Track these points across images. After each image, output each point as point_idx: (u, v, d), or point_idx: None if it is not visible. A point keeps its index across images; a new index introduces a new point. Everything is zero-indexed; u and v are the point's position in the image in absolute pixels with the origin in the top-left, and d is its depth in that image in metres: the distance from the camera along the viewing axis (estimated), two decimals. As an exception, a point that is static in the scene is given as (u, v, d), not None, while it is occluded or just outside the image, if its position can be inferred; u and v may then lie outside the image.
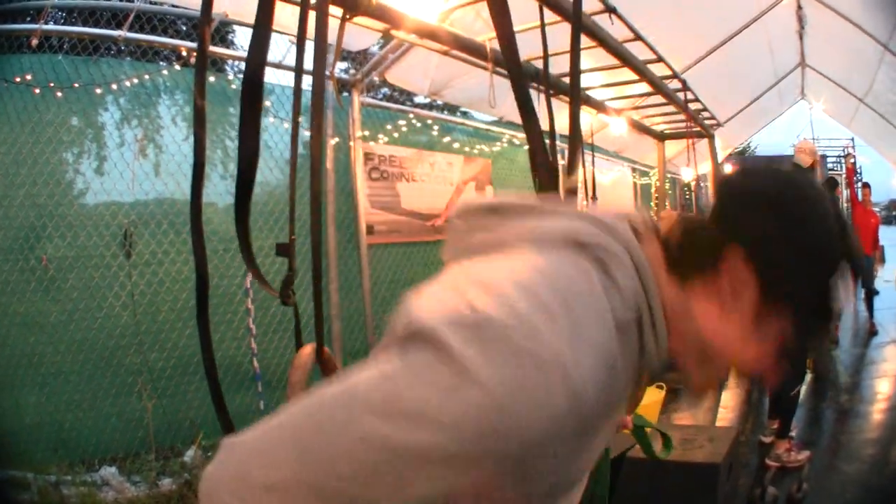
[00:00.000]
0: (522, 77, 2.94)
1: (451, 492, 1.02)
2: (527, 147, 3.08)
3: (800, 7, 11.59)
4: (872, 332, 13.32)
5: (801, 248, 1.27)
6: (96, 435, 6.38)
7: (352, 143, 8.07)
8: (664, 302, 1.26)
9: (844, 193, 19.02)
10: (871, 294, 14.00)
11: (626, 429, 2.61)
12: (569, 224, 1.24)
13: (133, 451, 6.51)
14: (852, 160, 23.05)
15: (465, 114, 12.61)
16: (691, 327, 1.28)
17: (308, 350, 2.32)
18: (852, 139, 24.15)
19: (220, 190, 7.20)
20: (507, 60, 2.95)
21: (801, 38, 13.39)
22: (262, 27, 2.40)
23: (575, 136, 3.33)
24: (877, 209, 15.91)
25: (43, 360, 6.23)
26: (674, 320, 1.27)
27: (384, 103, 9.92)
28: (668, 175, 16.86)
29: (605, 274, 1.17)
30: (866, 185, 14.84)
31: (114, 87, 6.48)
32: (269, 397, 7.26)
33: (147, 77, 6.65)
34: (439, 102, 10.73)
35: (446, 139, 10.21)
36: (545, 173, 2.77)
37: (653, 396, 7.37)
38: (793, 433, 7.12)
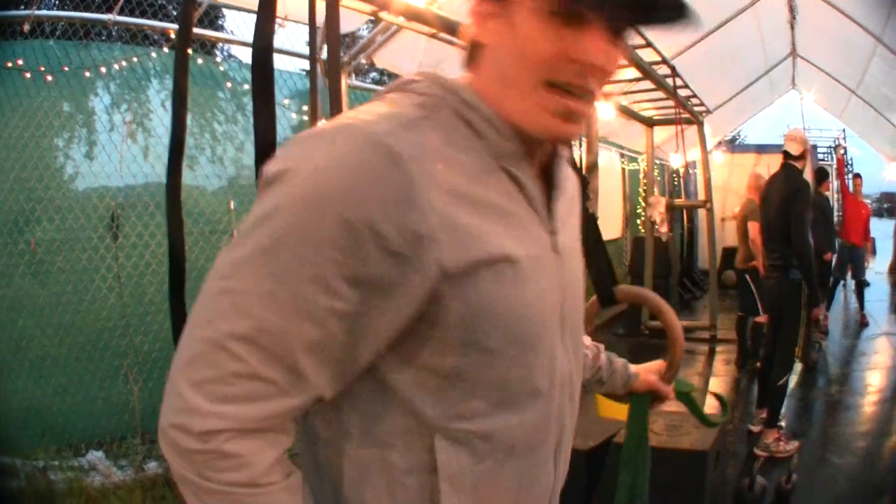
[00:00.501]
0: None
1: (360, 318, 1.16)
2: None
3: (791, -4, 11.61)
4: (863, 324, 13.34)
5: None
6: (83, 419, 6.37)
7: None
8: (479, 93, 1.34)
9: (835, 184, 19.00)
10: (861, 285, 14.02)
11: (670, 397, 2.45)
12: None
13: (119, 435, 6.50)
14: (842, 151, 23.06)
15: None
16: (502, 89, 1.32)
17: None
18: (843, 130, 24.16)
19: (207, 172, 7.20)
20: None
21: (792, 27, 13.42)
22: (267, 9, 2.38)
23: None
24: (868, 201, 15.92)
25: (31, 343, 6.22)
26: (491, 97, 1.33)
27: (372, 86, 9.92)
28: (657, 161, 16.83)
29: (404, 92, 1.36)
30: (857, 176, 14.91)
31: (103, 70, 6.47)
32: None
33: (136, 60, 6.65)
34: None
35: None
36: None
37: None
38: (782, 423, 7.13)
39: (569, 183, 1.59)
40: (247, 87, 6.60)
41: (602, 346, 2.12)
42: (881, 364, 10.59)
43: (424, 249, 1.16)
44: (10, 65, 6.01)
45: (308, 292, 1.12)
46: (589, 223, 2.86)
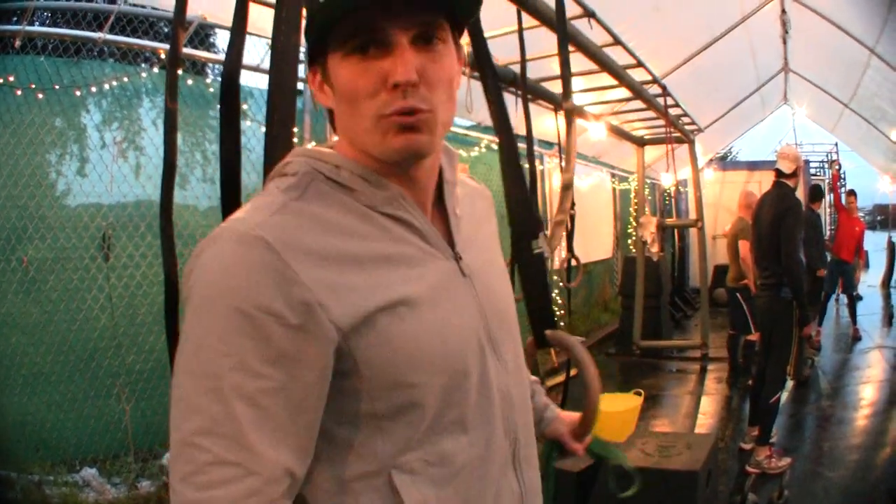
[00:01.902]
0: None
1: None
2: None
3: (784, 11, 11.60)
4: (856, 338, 13.32)
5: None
6: (76, 436, 6.38)
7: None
8: (343, 152, 1.48)
9: (828, 198, 19.05)
10: (853, 300, 14.04)
11: (578, 454, 2.42)
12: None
13: (112, 452, 6.50)
14: (837, 166, 23.11)
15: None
16: (354, 138, 1.46)
17: None
18: (836, 144, 24.20)
19: (197, 192, 7.21)
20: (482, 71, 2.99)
21: (784, 42, 13.44)
22: (238, 31, 2.40)
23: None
24: (861, 214, 15.93)
25: (24, 360, 6.23)
26: (351, 151, 1.47)
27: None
28: (648, 180, 16.93)
29: (280, 175, 1.48)
30: (851, 193, 14.87)
31: (94, 89, 6.47)
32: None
33: (127, 79, 6.64)
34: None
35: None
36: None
37: (630, 403, 7.37)
38: (773, 439, 7.13)
39: (470, 201, 1.73)
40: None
41: (537, 382, 2.19)
42: (874, 377, 10.56)
43: (317, 315, 1.28)
44: (1, 80, 6.00)
45: (236, 379, 1.23)
46: (536, 265, 2.86)
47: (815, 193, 12.43)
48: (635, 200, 16.33)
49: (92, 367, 6.48)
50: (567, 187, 4.81)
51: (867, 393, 9.77)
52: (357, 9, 1.33)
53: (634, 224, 15.40)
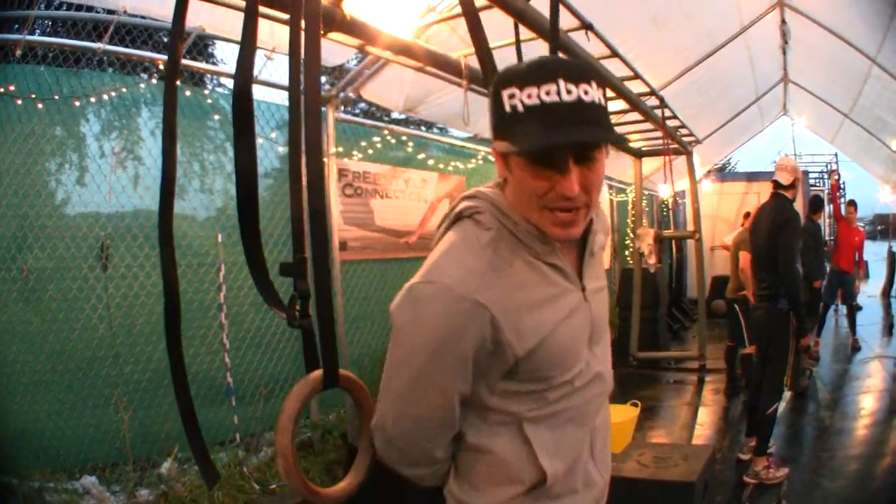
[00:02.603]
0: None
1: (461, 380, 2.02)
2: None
3: (783, 21, 11.57)
4: (855, 348, 13.34)
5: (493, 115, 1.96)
6: (76, 444, 6.36)
7: (326, 160, 8.00)
8: (510, 204, 2.05)
9: (827, 209, 19.06)
10: (852, 310, 14.04)
11: None
12: (457, 206, 2.13)
13: (111, 461, 6.49)
14: (836, 177, 23.10)
15: (441, 130, 12.56)
16: (522, 208, 2.01)
17: (303, 385, 2.30)
18: (836, 154, 24.20)
19: (195, 203, 7.24)
20: (486, 75, 3.06)
21: (783, 52, 13.39)
22: (247, 43, 2.43)
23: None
24: (861, 224, 15.92)
25: (24, 368, 6.22)
26: (519, 212, 2.03)
27: (359, 119, 9.96)
28: (645, 192, 16.91)
29: (475, 222, 2.06)
30: (852, 203, 14.87)
31: (93, 99, 6.47)
32: (242, 412, 7.32)
33: (125, 90, 6.65)
34: (416, 118, 10.70)
35: (421, 156, 10.24)
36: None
37: (627, 414, 7.38)
38: (771, 450, 7.13)
39: (596, 239, 2.30)
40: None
41: None
42: (874, 387, 10.57)
43: (505, 348, 1.97)
44: (1, 90, 6.01)
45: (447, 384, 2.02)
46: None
47: (816, 204, 12.43)
48: (633, 212, 16.38)
49: (90, 375, 6.48)
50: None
51: (867, 403, 9.75)
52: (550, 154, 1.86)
53: (632, 235, 15.43)
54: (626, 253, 17.96)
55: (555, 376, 2.08)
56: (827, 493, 6.48)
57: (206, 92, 7.52)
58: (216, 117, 7.30)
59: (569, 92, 1.81)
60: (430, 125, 14.41)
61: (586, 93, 1.83)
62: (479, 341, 1.93)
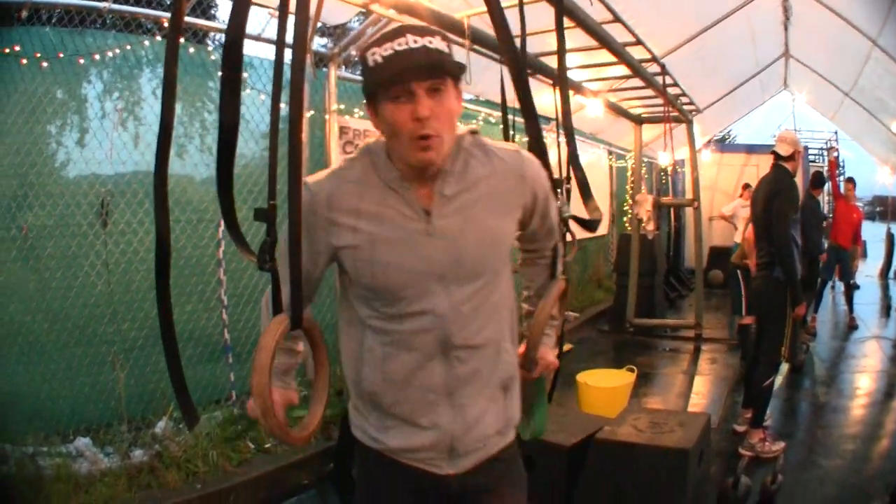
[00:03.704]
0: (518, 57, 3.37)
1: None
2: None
3: (786, -1, 11.57)
4: (852, 327, 13.37)
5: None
6: (70, 405, 6.36)
7: (327, 117, 8.08)
8: (387, 150, 2.44)
9: (826, 186, 19.10)
10: (850, 288, 14.04)
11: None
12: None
13: (105, 421, 6.50)
14: (835, 154, 23.07)
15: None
16: (392, 146, 2.39)
17: (276, 324, 2.31)
18: (836, 132, 24.15)
19: (196, 161, 7.24)
20: (501, 41, 3.22)
21: (785, 28, 13.38)
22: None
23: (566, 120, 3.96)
24: (859, 204, 15.90)
25: (21, 329, 6.22)
26: (389, 150, 2.42)
27: (360, 77, 9.91)
28: (645, 159, 16.88)
29: (349, 157, 2.52)
30: (850, 181, 14.87)
31: (97, 58, 6.46)
32: (240, 369, 7.35)
33: (129, 48, 6.64)
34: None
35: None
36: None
37: (623, 379, 7.37)
38: (767, 423, 7.14)
39: (489, 181, 2.53)
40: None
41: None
42: (870, 367, 10.60)
43: (332, 229, 2.40)
44: (7, 51, 6.00)
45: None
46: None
47: (817, 180, 12.39)
48: (632, 178, 16.32)
49: (87, 334, 6.50)
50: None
51: (863, 382, 9.79)
52: (401, 80, 2.22)
53: (630, 202, 15.41)
54: (625, 219, 17.98)
55: (379, 290, 2.41)
56: (823, 473, 6.48)
57: (209, 50, 7.48)
58: (218, 74, 7.24)
59: (415, 42, 2.24)
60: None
61: (431, 42, 2.27)
62: (313, 217, 2.38)
